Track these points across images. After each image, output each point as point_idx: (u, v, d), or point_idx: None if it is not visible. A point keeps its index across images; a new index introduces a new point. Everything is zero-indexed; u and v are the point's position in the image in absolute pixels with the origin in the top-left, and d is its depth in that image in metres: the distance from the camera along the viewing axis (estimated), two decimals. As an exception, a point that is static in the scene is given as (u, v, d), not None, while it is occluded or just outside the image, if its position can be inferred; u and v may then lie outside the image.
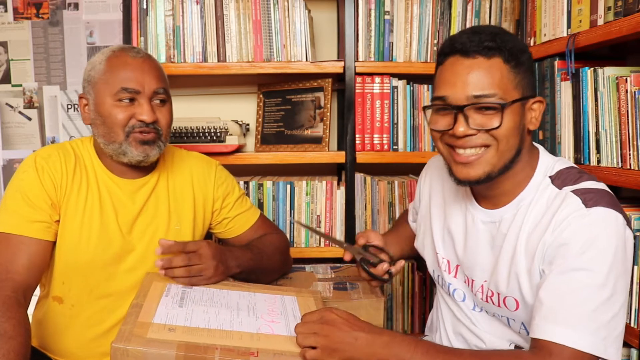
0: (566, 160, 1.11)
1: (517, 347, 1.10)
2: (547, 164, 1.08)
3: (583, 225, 0.95)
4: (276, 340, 1.00)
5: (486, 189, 1.10)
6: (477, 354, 1.04)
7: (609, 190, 1.01)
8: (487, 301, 1.12)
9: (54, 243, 1.27)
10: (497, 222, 1.09)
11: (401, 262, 1.25)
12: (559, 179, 1.04)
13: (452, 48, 1.03)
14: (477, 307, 1.16)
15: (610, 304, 0.93)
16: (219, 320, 1.05)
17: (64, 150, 1.31)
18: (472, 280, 1.14)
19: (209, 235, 1.53)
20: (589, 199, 0.97)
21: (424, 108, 1.09)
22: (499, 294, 1.08)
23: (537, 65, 1.65)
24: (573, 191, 1.00)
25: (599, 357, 0.93)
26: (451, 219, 1.19)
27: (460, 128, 1.01)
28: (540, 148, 1.12)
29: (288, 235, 1.93)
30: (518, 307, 1.06)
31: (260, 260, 1.38)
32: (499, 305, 1.09)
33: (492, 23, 1.93)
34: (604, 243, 0.93)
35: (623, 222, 0.96)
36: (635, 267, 1.24)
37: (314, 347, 0.98)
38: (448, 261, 1.20)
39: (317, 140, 1.96)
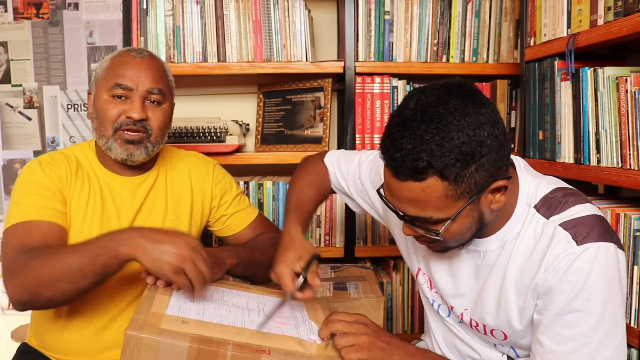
0: (548, 178, 1.04)
1: (509, 357, 1.10)
2: (529, 189, 1.00)
3: (576, 269, 0.91)
4: (286, 341, 1.00)
5: None
6: None
7: (597, 213, 0.97)
8: (471, 328, 1.10)
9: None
10: (482, 252, 1.04)
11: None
12: (544, 207, 0.98)
13: (385, 160, 0.92)
14: (464, 322, 1.13)
15: (609, 338, 0.92)
16: (231, 317, 1.05)
17: (65, 155, 1.35)
18: (452, 307, 1.12)
19: (208, 234, 1.53)
20: (579, 233, 0.93)
21: (378, 192, 1.01)
22: (485, 325, 1.06)
23: (537, 65, 1.66)
24: (561, 224, 0.95)
25: None
26: None
27: (406, 230, 0.99)
28: (519, 166, 1.04)
29: (288, 235, 1.93)
30: (506, 338, 1.05)
31: (253, 254, 1.37)
32: (485, 334, 1.08)
33: (492, 23, 1.93)
34: (597, 283, 0.91)
35: (614, 250, 0.93)
36: (636, 267, 1.24)
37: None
38: (429, 278, 1.17)
39: (317, 140, 1.96)
